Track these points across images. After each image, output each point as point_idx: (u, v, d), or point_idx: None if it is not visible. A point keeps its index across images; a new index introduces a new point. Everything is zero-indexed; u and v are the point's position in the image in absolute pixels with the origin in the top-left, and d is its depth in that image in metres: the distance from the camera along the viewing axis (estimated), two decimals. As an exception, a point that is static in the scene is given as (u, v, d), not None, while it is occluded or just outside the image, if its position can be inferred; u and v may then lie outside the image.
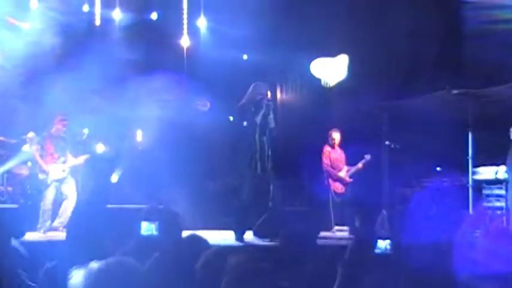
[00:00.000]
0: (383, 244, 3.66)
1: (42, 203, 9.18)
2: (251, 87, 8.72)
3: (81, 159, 9.62)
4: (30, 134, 10.12)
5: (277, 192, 8.92)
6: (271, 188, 8.73)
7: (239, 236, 8.40)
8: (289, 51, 11.76)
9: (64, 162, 9.41)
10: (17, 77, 10.25)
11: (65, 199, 9.27)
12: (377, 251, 3.61)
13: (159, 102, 10.92)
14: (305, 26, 11.68)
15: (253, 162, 8.51)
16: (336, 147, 10.56)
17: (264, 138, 8.60)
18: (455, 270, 3.17)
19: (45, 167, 9.26)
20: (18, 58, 10.07)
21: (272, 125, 8.59)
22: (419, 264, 3.22)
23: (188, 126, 10.72)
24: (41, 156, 9.33)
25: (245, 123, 8.50)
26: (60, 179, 9.31)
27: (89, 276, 2.04)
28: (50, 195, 9.20)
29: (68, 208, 9.18)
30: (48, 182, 9.25)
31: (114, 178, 11.58)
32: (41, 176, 9.32)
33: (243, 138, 8.56)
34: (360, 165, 10.54)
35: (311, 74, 11.63)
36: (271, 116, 8.60)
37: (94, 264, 2.09)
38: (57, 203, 9.24)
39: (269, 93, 8.77)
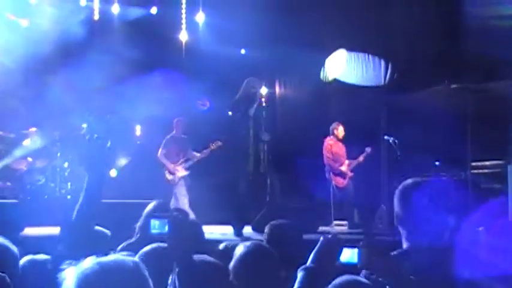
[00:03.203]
0: (349, 254, 2.77)
1: (176, 202, 9.86)
2: (244, 82, 8.81)
3: (205, 153, 10.29)
4: (33, 129, 10.20)
5: (276, 187, 8.95)
6: (268, 182, 8.77)
7: (238, 231, 8.42)
8: (288, 46, 11.74)
9: (188, 159, 10.21)
10: (16, 72, 10.22)
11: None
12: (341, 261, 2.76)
13: (157, 98, 10.91)
14: (304, 20, 11.66)
15: (248, 156, 8.56)
16: (339, 140, 10.60)
17: (259, 132, 8.64)
18: (456, 268, 3.12)
19: (172, 168, 10.11)
20: (17, 54, 10.05)
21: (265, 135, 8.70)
22: (419, 262, 3.17)
23: (186, 122, 10.71)
24: (167, 158, 10.20)
25: (239, 117, 8.58)
26: (185, 176, 10.15)
27: (83, 277, 1.89)
28: (183, 191, 10.02)
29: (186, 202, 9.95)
30: (176, 181, 10.08)
31: (113, 173, 11.58)
32: (169, 177, 10.15)
33: (237, 133, 8.63)
34: (360, 158, 10.59)
35: (309, 69, 11.64)
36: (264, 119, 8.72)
37: (88, 263, 1.93)
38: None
39: (264, 88, 8.84)
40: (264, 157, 8.68)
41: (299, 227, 4.49)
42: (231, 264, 3.23)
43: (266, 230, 4.27)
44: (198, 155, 10.31)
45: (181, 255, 2.70)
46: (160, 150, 10.29)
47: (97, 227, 4.38)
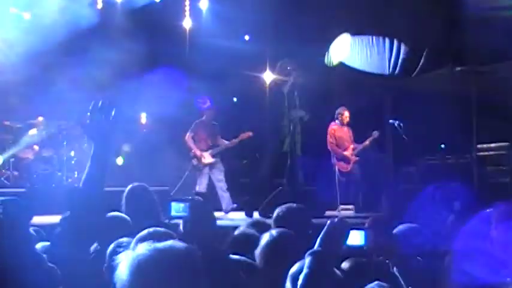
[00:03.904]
0: (356, 236, 2.78)
1: (197, 188, 9.69)
2: (278, 64, 9.00)
3: (234, 142, 10.02)
4: (40, 119, 10.23)
5: (296, 170, 9.05)
6: (294, 166, 8.89)
7: (248, 216, 8.47)
8: (292, 33, 11.72)
9: (216, 146, 9.92)
10: (20, 63, 10.22)
11: (218, 183, 9.77)
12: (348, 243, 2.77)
13: (161, 87, 10.89)
14: (308, 8, 11.62)
15: (281, 139, 8.71)
16: (344, 125, 10.55)
17: (292, 111, 8.78)
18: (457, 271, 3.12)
19: (199, 154, 9.78)
20: (21, 46, 10.06)
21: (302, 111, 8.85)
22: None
23: (193, 109, 10.72)
24: (195, 142, 9.90)
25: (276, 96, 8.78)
26: (212, 163, 9.81)
27: (136, 261, 1.93)
28: (204, 180, 9.73)
29: (224, 192, 9.64)
30: (202, 167, 9.80)
31: (120, 161, 11.62)
32: (194, 162, 9.88)
33: (272, 117, 8.79)
34: (366, 142, 10.54)
35: (314, 55, 11.61)
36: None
37: (143, 248, 1.97)
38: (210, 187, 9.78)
39: (295, 71, 9.02)
40: (297, 139, 8.86)
41: (308, 211, 4.51)
42: (257, 251, 3.38)
43: (275, 213, 4.29)
44: (227, 142, 10.04)
45: (199, 239, 2.73)
46: (188, 133, 9.99)
47: (116, 213, 4.46)
